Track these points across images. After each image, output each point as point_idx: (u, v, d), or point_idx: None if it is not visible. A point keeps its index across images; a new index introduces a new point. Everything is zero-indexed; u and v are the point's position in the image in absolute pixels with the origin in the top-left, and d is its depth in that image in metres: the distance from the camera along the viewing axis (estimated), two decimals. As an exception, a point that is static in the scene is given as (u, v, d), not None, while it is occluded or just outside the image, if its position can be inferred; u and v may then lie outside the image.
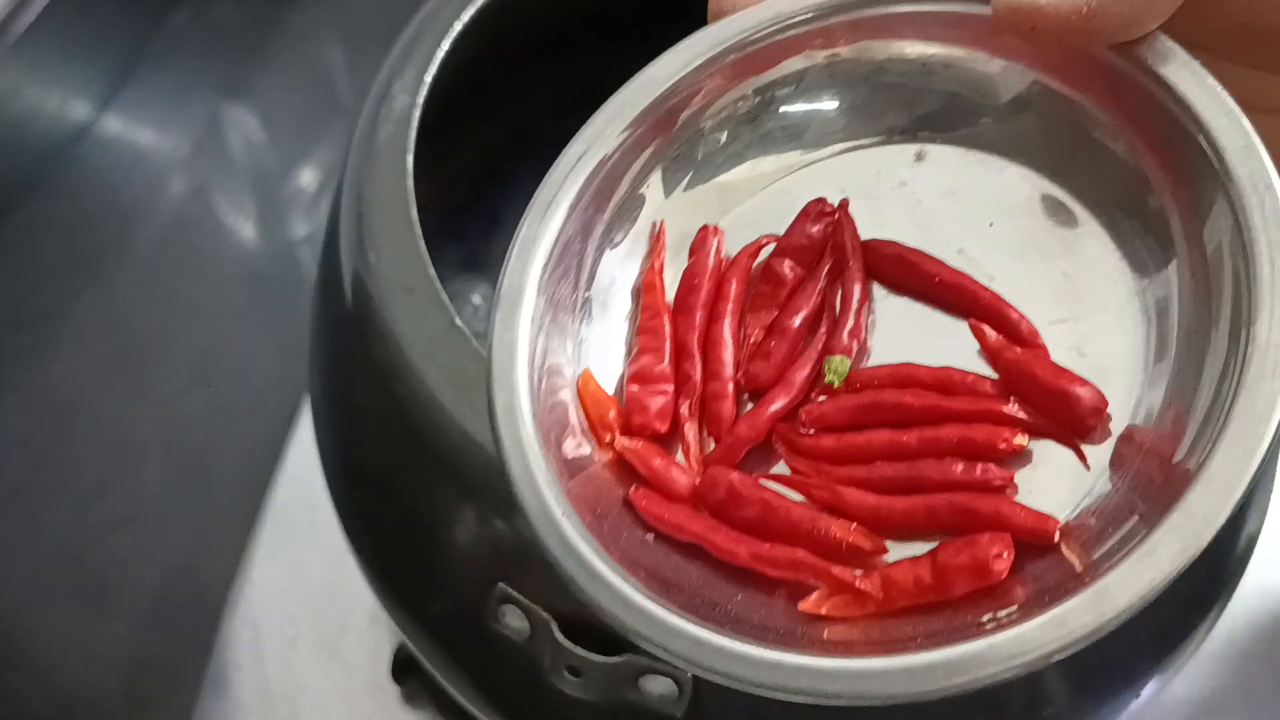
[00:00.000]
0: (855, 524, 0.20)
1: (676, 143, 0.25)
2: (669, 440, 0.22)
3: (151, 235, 0.60)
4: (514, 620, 0.28)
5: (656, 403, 0.22)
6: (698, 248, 0.24)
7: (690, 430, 0.22)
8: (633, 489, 0.22)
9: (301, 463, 0.51)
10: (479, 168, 0.45)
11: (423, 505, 0.30)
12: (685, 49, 0.25)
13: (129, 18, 0.62)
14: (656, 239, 0.24)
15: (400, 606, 0.33)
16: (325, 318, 0.34)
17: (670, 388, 0.23)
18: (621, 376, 0.23)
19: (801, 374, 0.22)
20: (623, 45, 0.46)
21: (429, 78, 0.34)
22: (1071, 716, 0.30)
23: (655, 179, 0.25)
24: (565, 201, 0.24)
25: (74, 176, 0.60)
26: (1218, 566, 0.31)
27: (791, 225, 0.24)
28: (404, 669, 0.44)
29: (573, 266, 0.24)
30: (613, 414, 0.22)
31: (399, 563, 0.33)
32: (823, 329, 0.23)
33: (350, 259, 0.32)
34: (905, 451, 0.21)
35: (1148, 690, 0.32)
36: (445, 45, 0.35)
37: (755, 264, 0.24)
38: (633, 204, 0.25)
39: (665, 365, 0.23)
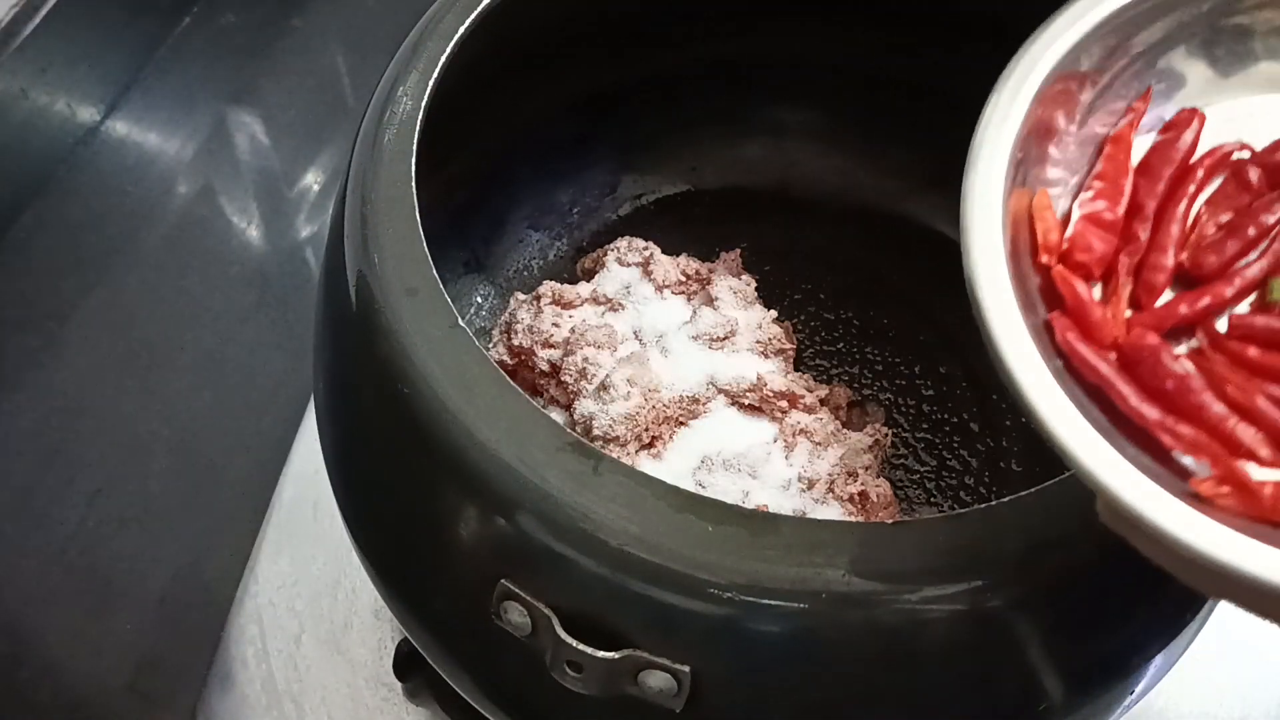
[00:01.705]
0: (1261, 433, 0.21)
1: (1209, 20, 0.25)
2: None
3: (158, 236, 0.60)
4: (515, 616, 0.28)
5: (1099, 247, 0.24)
6: (1177, 125, 0.25)
7: (1125, 284, 0.23)
8: (1055, 314, 0.22)
9: (307, 461, 0.51)
10: (481, 170, 0.46)
11: (425, 503, 0.31)
12: None
13: (136, 22, 0.63)
14: (1142, 98, 0.25)
15: (402, 603, 0.34)
16: (329, 318, 0.35)
17: (1114, 239, 0.24)
18: (1066, 209, 0.24)
19: (1246, 278, 0.23)
20: (625, 49, 0.46)
21: (432, 82, 0.34)
22: (1066, 713, 0.30)
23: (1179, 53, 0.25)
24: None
25: (81, 178, 0.61)
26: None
27: (1274, 142, 0.25)
28: (406, 664, 0.45)
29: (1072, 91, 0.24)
30: (1055, 238, 0.23)
31: (401, 560, 0.33)
32: (1276, 245, 0.24)
33: (354, 260, 0.32)
34: None
35: (1141, 686, 0.32)
36: (448, 50, 0.35)
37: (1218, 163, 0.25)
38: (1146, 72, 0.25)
39: (1118, 216, 0.24)
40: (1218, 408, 0.21)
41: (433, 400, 0.29)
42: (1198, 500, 0.20)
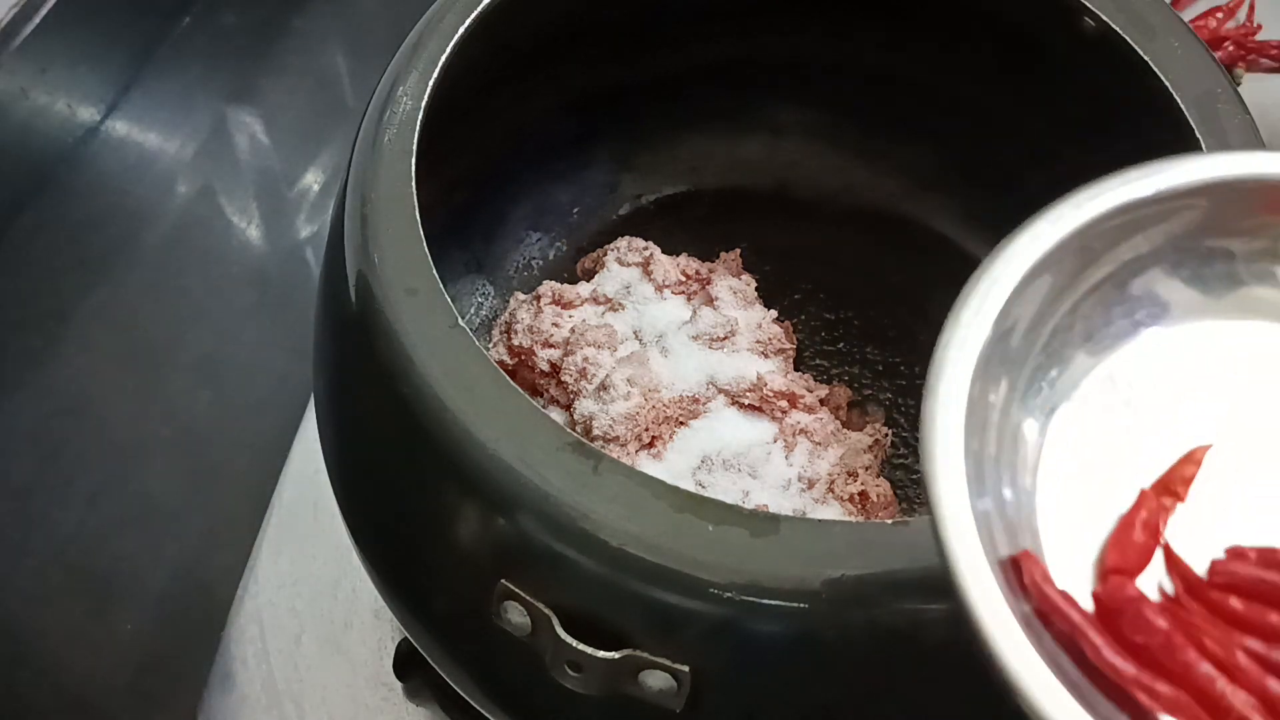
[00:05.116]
0: (1253, 699, 0.20)
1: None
2: None
3: (158, 236, 0.60)
4: (515, 616, 0.29)
5: None
6: None
7: None
8: (1025, 553, 0.21)
9: (306, 461, 0.51)
10: (481, 170, 0.46)
11: (425, 503, 0.31)
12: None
13: (136, 22, 0.63)
14: None
15: (402, 603, 0.34)
16: (329, 318, 0.35)
17: None
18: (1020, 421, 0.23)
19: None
20: (625, 49, 0.46)
21: (432, 82, 0.34)
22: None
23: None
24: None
25: (81, 178, 0.61)
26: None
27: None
28: (406, 664, 0.45)
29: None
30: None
31: (401, 559, 0.33)
32: None
33: (354, 260, 0.32)
34: None
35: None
36: (448, 49, 0.35)
37: None
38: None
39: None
40: (1204, 668, 0.20)
41: (433, 400, 0.29)
42: None
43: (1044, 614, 0.20)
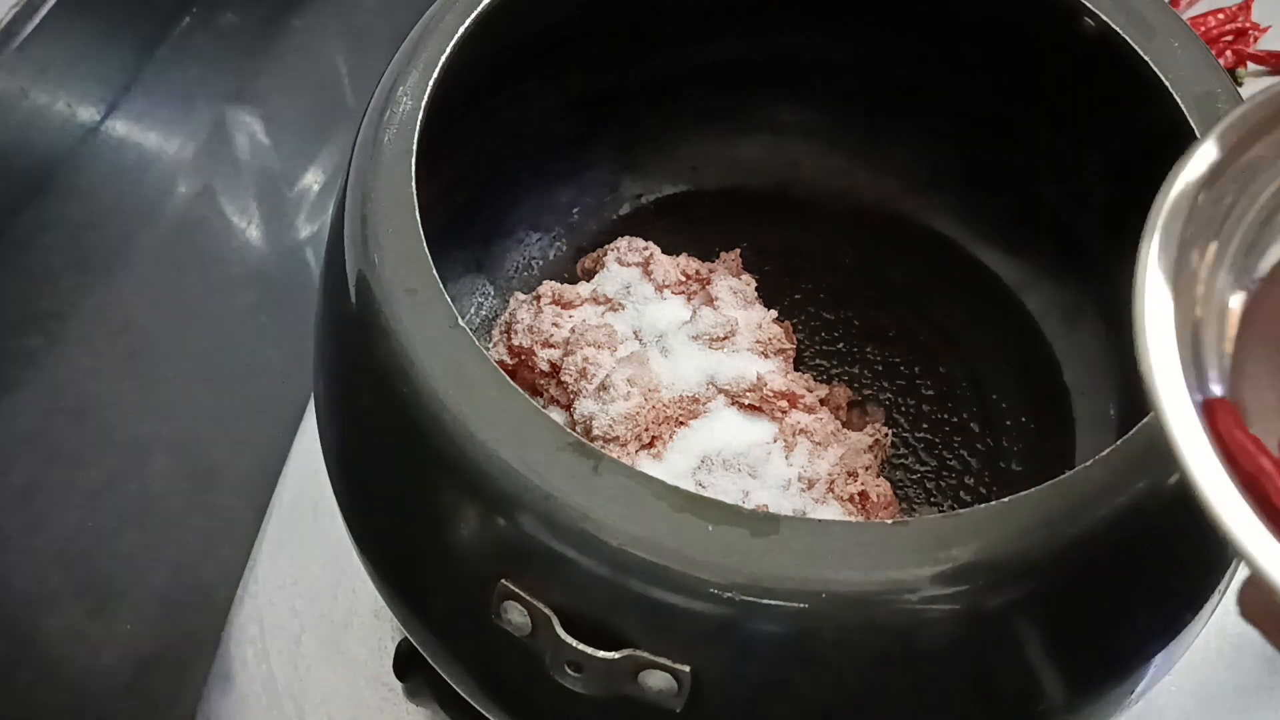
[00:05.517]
0: None
1: None
2: None
3: (158, 236, 0.60)
4: (515, 616, 0.28)
5: None
6: None
7: None
8: (1218, 400, 0.22)
9: (307, 461, 0.51)
10: (481, 170, 0.46)
11: (425, 503, 0.31)
12: None
13: (135, 22, 0.63)
14: None
15: (402, 603, 0.34)
16: (329, 318, 0.35)
17: None
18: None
19: None
20: (625, 49, 0.46)
21: (432, 82, 0.34)
22: (1067, 712, 0.30)
23: None
24: None
25: (81, 178, 0.60)
26: (1212, 560, 0.31)
27: None
28: (406, 664, 0.45)
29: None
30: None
31: (401, 559, 0.33)
32: None
33: (354, 260, 0.32)
34: None
35: (1141, 686, 0.32)
36: (448, 49, 0.35)
37: None
38: None
39: None
40: None
41: (433, 400, 0.29)
42: None
43: (1232, 456, 0.21)
